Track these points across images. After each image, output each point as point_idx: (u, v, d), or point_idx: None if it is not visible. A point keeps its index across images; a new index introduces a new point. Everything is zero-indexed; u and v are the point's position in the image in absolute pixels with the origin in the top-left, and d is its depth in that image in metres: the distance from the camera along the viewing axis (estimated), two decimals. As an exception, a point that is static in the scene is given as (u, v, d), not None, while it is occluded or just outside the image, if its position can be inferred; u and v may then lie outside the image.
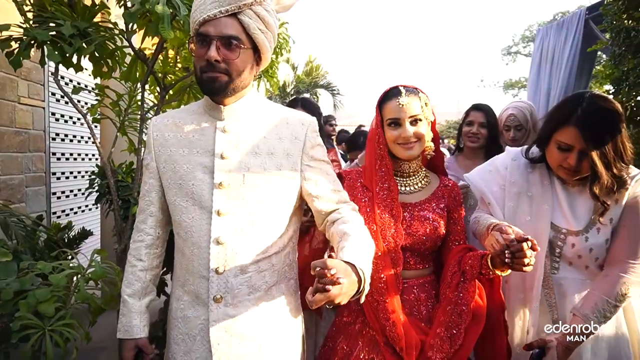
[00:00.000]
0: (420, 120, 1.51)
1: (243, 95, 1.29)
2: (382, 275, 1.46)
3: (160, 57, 2.27)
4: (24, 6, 2.02)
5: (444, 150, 3.37)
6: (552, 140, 1.48)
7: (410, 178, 1.61)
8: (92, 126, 2.32)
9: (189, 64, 2.45)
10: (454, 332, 1.40)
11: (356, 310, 1.54)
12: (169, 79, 2.32)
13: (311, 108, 2.51)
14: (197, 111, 1.33)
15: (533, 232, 1.47)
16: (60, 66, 2.08)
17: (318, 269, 0.99)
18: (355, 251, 1.11)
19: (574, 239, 1.52)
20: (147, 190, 1.34)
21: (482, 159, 2.24)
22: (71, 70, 2.16)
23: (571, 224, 1.52)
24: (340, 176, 1.60)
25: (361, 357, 1.45)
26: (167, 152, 1.29)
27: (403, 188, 1.59)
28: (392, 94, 1.54)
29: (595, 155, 1.39)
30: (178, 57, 2.45)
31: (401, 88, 1.53)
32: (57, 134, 4.33)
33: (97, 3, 2.17)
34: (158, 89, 2.35)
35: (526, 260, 1.24)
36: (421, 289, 1.54)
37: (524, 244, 1.23)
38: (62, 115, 4.42)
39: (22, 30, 1.99)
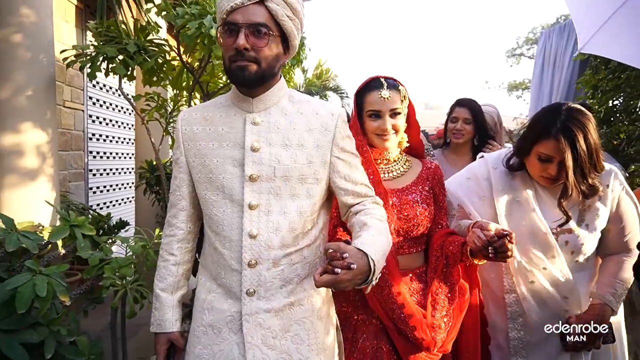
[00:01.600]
0: (399, 113, 1.54)
1: (272, 86, 1.26)
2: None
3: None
4: (95, 29, 2.43)
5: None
6: (532, 151, 1.54)
7: (392, 164, 1.63)
8: (131, 127, 2.72)
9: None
10: (445, 313, 1.49)
11: (355, 301, 1.56)
12: (211, 86, 2.72)
13: None
14: (226, 104, 1.30)
15: (532, 236, 1.58)
16: (99, 74, 2.44)
17: (331, 250, 1.01)
18: (371, 242, 1.12)
19: (567, 236, 1.60)
20: (178, 185, 1.33)
21: (468, 154, 2.43)
22: (101, 77, 2.56)
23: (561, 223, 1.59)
24: None
25: (368, 344, 1.48)
26: (196, 146, 1.28)
27: (386, 175, 1.61)
28: (373, 85, 1.55)
29: (570, 167, 1.45)
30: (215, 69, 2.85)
31: (382, 80, 1.54)
32: (94, 134, 4.76)
33: (151, 23, 2.57)
34: (198, 95, 2.76)
35: (509, 253, 1.33)
36: (418, 279, 1.58)
37: (505, 240, 1.32)
38: (98, 117, 4.85)
39: (92, 47, 2.41)
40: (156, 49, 2.52)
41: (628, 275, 1.63)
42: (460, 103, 2.51)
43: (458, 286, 1.52)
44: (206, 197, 1.27)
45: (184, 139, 1.30)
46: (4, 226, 1.84)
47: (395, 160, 1.64)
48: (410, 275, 1.57)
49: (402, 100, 1.54)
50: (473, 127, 2.42)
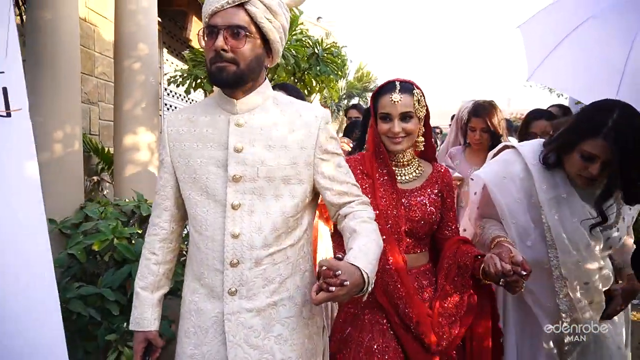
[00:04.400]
0: (412, 117, 1.53)
1: (255, 88, 1.27)
2: (389, 258, 1.50)
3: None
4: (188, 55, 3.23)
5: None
6: (576, 148, 1.46)
7: (405, 168, 1.64)
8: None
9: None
10: (453, 319, 1.49)
11: (361, 301, 1.49)
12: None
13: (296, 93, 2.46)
14: (211, 105, 1.31)
15: (582, 234, 1.50)
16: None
17: (324, 268, 1.03)
18: (362, 253, 1.14)
19: (608, 232, 1.55)
20: (162, 185, 1.35)
21: (486, 152, 2.58)
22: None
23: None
24: None
25: (375, 347, 1.47)
26: (181, 147, 1.29)
27: (399, 177, 1.62)
28: (387, 88, 1.56)
29: (618, 170, 1.39)
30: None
31: (397, 83, 1.55)
32: (168, 135, 5.68)
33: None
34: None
35: (517, 289, 1.36)
36: (423, 276, 1.59)
37: (518, 277, 1.31)
38: (171, 121, 5.76)
39: (185, 69, 3.20)
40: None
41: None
42: (477, 114, 2.66)
43: (467, 295, 1.53)
44: (190, 197, 1.29)
45: (169, 139, 1.31)
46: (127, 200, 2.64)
47: (408, 164, 1.65)
48: (415, 273, 1.59)
49: (414, 104, 1.54)
50: (488, 134, 2.61)
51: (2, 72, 1.49)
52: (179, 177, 1.30)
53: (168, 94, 5.66)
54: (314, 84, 3.45)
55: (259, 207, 1.24)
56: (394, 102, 1.52)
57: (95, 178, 3.59)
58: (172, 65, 5.83)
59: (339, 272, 1.02)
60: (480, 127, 2.61)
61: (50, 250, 1.65)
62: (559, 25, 1.98)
